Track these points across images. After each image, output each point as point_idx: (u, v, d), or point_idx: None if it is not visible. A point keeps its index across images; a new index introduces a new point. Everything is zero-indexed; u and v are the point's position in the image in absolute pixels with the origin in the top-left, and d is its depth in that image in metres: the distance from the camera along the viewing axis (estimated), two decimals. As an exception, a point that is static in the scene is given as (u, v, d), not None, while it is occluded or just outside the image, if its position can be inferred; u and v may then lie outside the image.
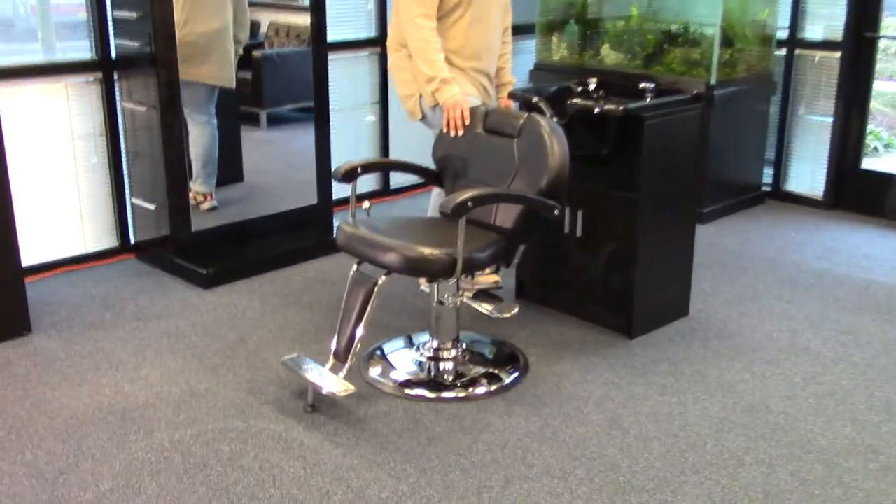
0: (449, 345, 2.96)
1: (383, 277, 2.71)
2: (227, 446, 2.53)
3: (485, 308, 3.03)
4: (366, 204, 2.94)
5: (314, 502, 2.28)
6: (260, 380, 2.90)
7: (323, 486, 2.35)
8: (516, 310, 3.06)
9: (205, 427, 2.63)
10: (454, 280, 2.69)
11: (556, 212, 2.76)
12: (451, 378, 2.91)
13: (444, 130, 3.06)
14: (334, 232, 3.09)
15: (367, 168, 2.96)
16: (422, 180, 3.30)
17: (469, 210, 2.57)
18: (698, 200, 4.11)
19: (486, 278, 3.38)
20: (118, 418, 2.68)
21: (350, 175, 2.88)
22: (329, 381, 2.62)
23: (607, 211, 3.13)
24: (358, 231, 2.75)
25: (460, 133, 3.00)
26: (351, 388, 2.61)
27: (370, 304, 2.69)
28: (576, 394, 2.83)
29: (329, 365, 2.72)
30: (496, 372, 2.94)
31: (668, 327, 3.30)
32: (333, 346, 2.73)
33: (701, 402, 2.78)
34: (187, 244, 3.78)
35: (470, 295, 3.04)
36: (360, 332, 2.67)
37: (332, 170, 2.92)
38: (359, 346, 2.67)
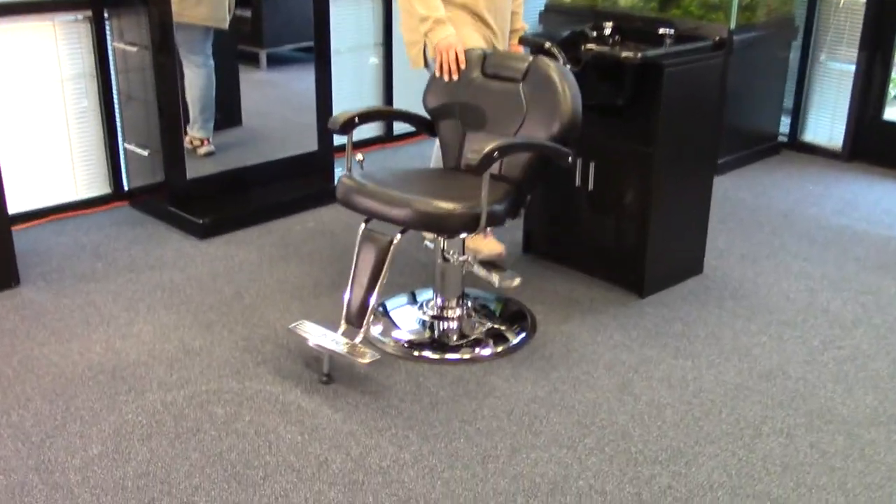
0: (454, 303, 2.90)
1: (398, 236, 2.60)
2: (222, 409, 2.45)
3: (487, 277, 2.94)
4: (359, 156, 2.84)
5: (311, 471, 2.21)
6: (256, 337, 2.83)
7: (321, 453, 2.28)
8: (518, 281, 2.97)
9: (198, 388, 2.55)
10: (475, 234, 2.61)
11: (570, 158, 2.68)
12: (455, 338, 2.86)
13: (437, 75, 2.94)
14: (335, 181, 3.03)
15: (365, 118, 2.84)
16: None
17: (495, 162, 2.48)
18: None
19: (490, 247, 3.30)
20: (108, 377, 2.60)
21: (347, 126, 2.75)
22: (348, 348, 2.52)
23: (621, 164, 3.04)
24: (364, 185, 2.64)
25: (455, 78, 2.89)
26: (376, 355, 2.51)
27: (385, 265, 2.58)
28: (585, 356, 2.77)
29: (342, 330, 2.62)
30: (503, 331, 2.88)
31: (681, 286, 3.23)
32: (344, 309, 2.64)
33: (716, 367, 2.71)
34: (182, 192, 3.67)
35: (472, 264, 2.97)
36: (374, 297, 2.58)
37: (329, 120, 2.81)
38: (372, 311, 2.56)
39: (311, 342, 2.58)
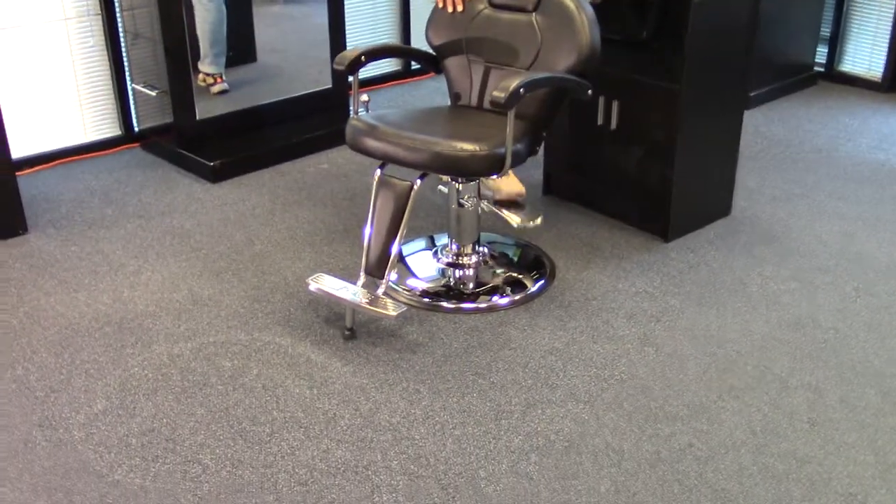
0: (469, 249, 2.84)
1: (418, 181, 2.52)
2: (229, 362, 2.40)
3: (508, 216, 2.83)
4: (364, 97, 2.72)
5: (319, 427, 2.16)
6: (266, 286, 2.78)
7: (329, 408, 2.23)
8: (541, 219, 2.87)
9: (206, 340, 2.50)
10: (499, 176, 2.53)
11: (590, 91, 2.60)
12: (471, 286, 2.79)
13: (440, 6, 2.81)
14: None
15: (372, 55, 2.72)
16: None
17: (522, 98, 2.39)
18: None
19: (511, 186, 3.19)
20: (115, 329, 2.56)
21: (354, 65, 2.64)
22: (371, 302, 2.45)
23: (646, 101, 2.93)
24: (375, 127, 2.55)
25: (459, 8, 2.77)
26: (402, 306, 2.44)
27: (405, 214, 2.51)
28: (605, 305, 2.69)
29: (361, 281, 2.53)
30: (520, 278, 2.83)
31: (707, 229, 3.13)
32: (364, 259, 2.56)
33: (742, 316, 2.62)
34: (192, 133, 3.60)
35: (491, 205, 2.86)
36: (395, 247, 2.50)
37: (335, 59, 2.72)
38: (394, 262, 2.50)
39: (332, 294, 2.50)
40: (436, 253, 2.92)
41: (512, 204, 3.05)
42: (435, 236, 3.07)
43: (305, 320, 2.60)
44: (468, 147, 2.44)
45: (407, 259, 2.94)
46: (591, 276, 2.86)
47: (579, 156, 3.27)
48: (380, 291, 2.50)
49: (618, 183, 3.15)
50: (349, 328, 2.54)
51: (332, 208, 3.31)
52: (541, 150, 2.83)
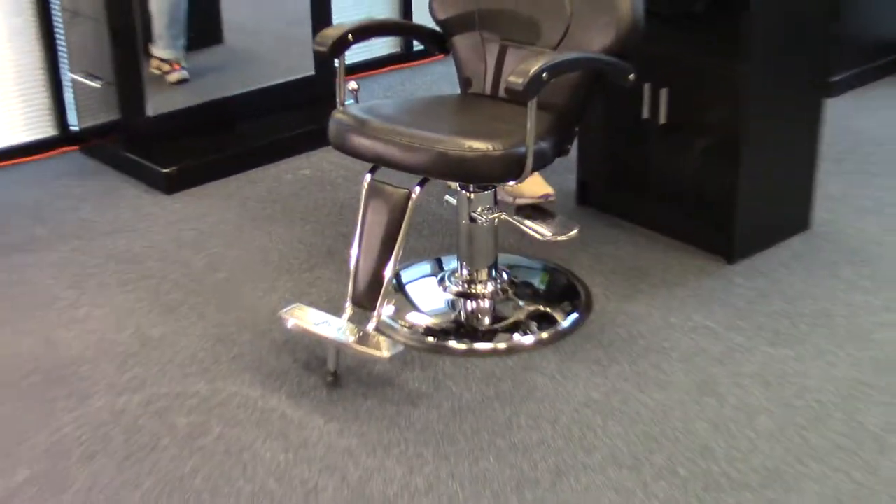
0: (484, 275, 2.79)
1: (417, 189, 2.50)
2: (185, 418, 2.36)
3: (533, 228, 2.82)
4: (353, 84, 2.71)
5: (297, 501, 2.08)
6: (231, 324, 2.74)
7: (310, 477, 2.17)
8: (576, 231, 2.82)
9: (157, 391, 2.46)
10: (517, 182, 2.51)
11: (632, 76, 2.58)
12: (487, 321, 2.76)
13: None
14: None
15: (362, 33, 2.70)
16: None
17: (544, 85, 2.36)
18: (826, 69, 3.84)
19: (535, 188, 3.14)
20: (43, 378, 2.51)
21: (339, 46, 2.61)
22: (360, 339, 2.40)
23: (702, 88, 2.93)
24: (365, 122, 2.53)
25: None
26: (399, 346, 2.41)
27: (402, 229, 2.48)
28: (655, 344, 2.65)
29: (347, 314, 2.50)
30: (548, 311, 2.80)
31: (782, 247, 3.10)
32: (350, 286, 2.53)
33: (826, 357, 2.57)
34: (143, 133, 3.59)
35: (512, 211, 2.87)
36: (389, 270, 2.47)
37: (316, 38, 2.70)
38: (387, 288, 2.47)
39: (312, 331, 2.48)
40: (442, 280, 2.89)
41: (537, 211, 3.01)
42: (442, 259, 3.04)
43: (280, 366, 2.55)
44: (479, 146, 2.40)
45: (406, 287, 2.91)
46: (636, 309, 2.82)
47: (621, 157, 3.25)
48: (370, 327, 2.45)
49: (669, 191, 3.13)
50: (333, 373, 2.50)
51: (314, 225, 3.29)
52: (573, 150, 2.77)
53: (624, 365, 2.59)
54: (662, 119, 3.03)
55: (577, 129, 2.71)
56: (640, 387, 2.50)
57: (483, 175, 2.47)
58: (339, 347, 2.46)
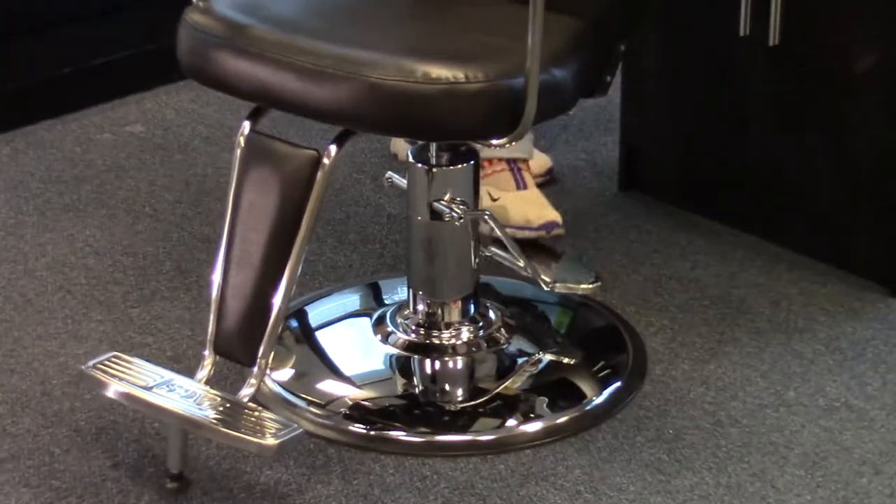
0: (455, 312, 2.60)
1: (333, 149, 2.32)
2: None
3: (534, 271, 2.73)
4: None
5: None
6: (16, 401, 2.53)
7: None
8: (595, 284, 2.70)
9: None
10: (506, 144, 2.39)
11: None
12: (460, 394, 2.60)
13: None
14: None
15: None
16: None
17: None
18: None
19: (529, 210, 3.08)
20: None
21: None
22: (225, 415, 2.29)
23: None
24: (244, 29, 2.35)
25: None
26: (295, 428, 2.29)
27: (305, 219, 2.33)
28: (759, 438, 2.41)
29: (206, 371, 2.35)
30: (569, 378, 2.63)
31: None
32: (212, 321, 2.37)
33: None
34: None
35: (499, 238, 2.75)
36: (281, 291, 2.33)
37: None
38: (282, 321, 2.38)
39: (141, 399, 2.31)
40: (380, 322, 2.69)
41: (534, 248, 2.94)
42: (380, 284, 2.86)
43: (83, 473, 2.33)
44: (441, 72, 2.21)
45: (317, 334, 2.72)
46: (726, 373, 2.55)
47: (700, 107, 3.08)
48: (244, 393, 2.27)
49: (785, 167, 2.94)
50: (175, 474, 2.30)
51: (152, 222, 3.10)
52: (613, 89, 2.62)
53: (703, 475, 2.33)
54: (774, 40, 2.77)
55: (622, 48, 2.47)
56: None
57: (447, 127, 2.30)
58: (190, 429, 2.25)
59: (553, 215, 3.08)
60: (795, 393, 2.69)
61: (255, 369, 2.38)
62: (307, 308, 2.85)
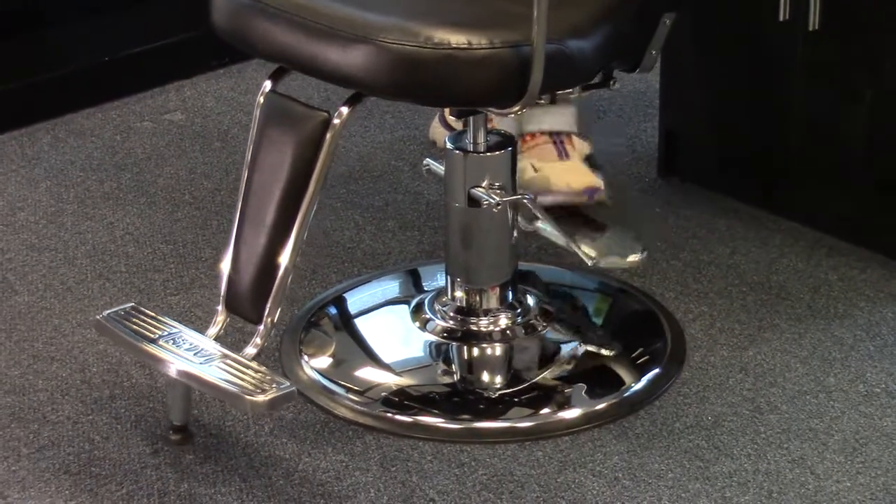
0: (493, 299, 2.59)
1: (345, 111, 2.33)
2: None
3: (576, 246, 2.70)
4: None
5: None
6: (36, 385, 2.58)
7: None
8: (641, 255, 2.71)
9: None
10: (516, 114, 2.42)
11: None
12: (499, 381, 2.59)
13: None
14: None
15: None
16: None
17: None
18: None
19: (569, 176, 3.03)
20: None
21: None
22: (230, 369, 2.29)
23: None
24: None
25: None
26: (287, 385, 2.26)
27: (314, 177, 2.35)
28: (799, 424, 2.42)
29: (218, 327, 2.37)
30: (608, 365, 2.62)
31: None
32: (224, 283, 2.39)
33: None
34: None
35: (539, 217, 2.71)
36: (289, 249, 2.33)
37: None
38: (289, 279, 2.35)
39: (141, 352, 2.37)
40: (418, 309, 2.70)
41: (576, 217, 2.98)
42: (419, 271, 2.87)
43: (121, 459, 2.38)
44: (445, 36, 2.24)
45: (356, 321, 2.72)
46: (765, 360, 2.57)
47: (739, 93, 3.07)
48: (249, 351, 2.31)
49: (825, 152, 2.95)
50: (177, 425, 2.36)
51: (191, 210, 3.14)
52: (655, 70, 2.63)
53: (742, 461, 2.34)
54: (815, 23, 2.83)
55: (667, 22, 2.46)
56: (775, 497, 2.31)
57: (451, 92, 2.32)
58: (184, 381, 2.31)
59: (595, 181, 3.10)
60: (835, 379, 2.67)
61: (261, 327, 2.40)
62: (346, 295, 2.86)
